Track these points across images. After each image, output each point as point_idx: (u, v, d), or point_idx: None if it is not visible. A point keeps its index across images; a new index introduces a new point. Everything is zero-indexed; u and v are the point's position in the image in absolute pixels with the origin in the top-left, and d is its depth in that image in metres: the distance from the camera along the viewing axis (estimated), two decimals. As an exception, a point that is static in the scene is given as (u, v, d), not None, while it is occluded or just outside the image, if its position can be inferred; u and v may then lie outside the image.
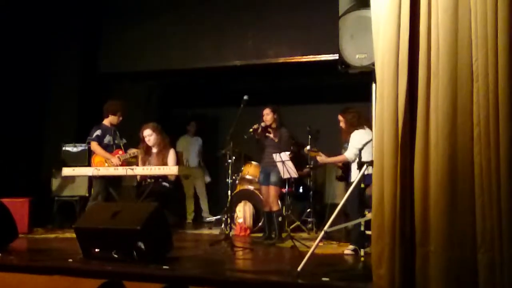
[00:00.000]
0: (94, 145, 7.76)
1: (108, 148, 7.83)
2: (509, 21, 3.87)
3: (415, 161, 4.24)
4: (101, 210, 6.08)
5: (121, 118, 7.97)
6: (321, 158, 7.04)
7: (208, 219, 10.27)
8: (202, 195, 10.66)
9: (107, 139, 7.84)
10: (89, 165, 7.97)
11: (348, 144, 6.72)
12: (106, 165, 7.62)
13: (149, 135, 7.39)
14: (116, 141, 7.91)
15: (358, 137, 6.57)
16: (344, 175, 7.09)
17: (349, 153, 6.59)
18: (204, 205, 10.63)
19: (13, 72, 9.24)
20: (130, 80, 10.89)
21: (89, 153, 7.97)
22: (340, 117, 6.93)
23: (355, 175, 5.64)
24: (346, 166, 6.98)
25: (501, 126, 3.84)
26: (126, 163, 7.73)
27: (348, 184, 6.59)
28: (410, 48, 4.25)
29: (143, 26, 9.90)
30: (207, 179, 10.83)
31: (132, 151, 7.85)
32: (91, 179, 7.96)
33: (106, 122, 7.94)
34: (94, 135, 7.76)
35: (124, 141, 7.98)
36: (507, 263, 3.78)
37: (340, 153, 6.90)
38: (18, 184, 8.99)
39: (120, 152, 7.86)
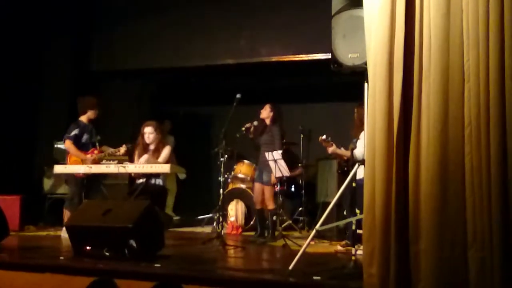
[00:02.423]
0: (68, 144, 7.66)
1: (84, 147, 7.75)
2: (500, 22, 3.89)
3: (408, 160, 4.25)
4: (93, 208, 6.07)
5: (98, 112, 7.91)
6: (332, 148, 7.00)
7: (175, 218, 10.28)
8: (172, 192, 10.61)
9: (85, 137, 7.78)
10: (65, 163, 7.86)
11: (356, 140, 6.71)
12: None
13: (149, 133, 7.38)
14: (92, 139, 7.88)
15: None
16: (347, 170, 7.06)
17: (358, 152, 6.56)
18: (170, 202, 10.59)
19: (4, 71, 9.21)
20: (122, 78, 10.88)
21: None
22: (360, 110, 6.86)
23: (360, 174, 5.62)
24: (349, 162, 6.97)
25: (492, 126, 3.87)
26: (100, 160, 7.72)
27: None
28: (405, 47, 4.27)
29: (134, 24, 9.89)
30: (182, 176, 10.69)
31: (109, 150, 7.80)
32: (66, 180, 7.85)
33: (84, 119, 7.86)
34: (72, 133, 7.66)
35: (98, 137, 7.93)
36: (497, 262, 3.80)
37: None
38: (10, 182, 8.95)
39: (95, 151, 7.82)
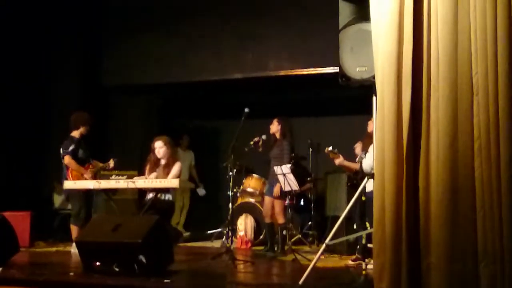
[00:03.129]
0: (68, 159, 7.69)
1: (81, 161, 7.81)
2: (508, 35, 3.89)
3: (418, 173, 4.24)
4: (103, 223, 6.07)
5: (89, 128, 7.98)
6: (339, 160, 6.99)
7: (186, 234, 10.33)
8: (185, 208, 10.68)
9: (80, 152, 7.84)
10: (63, 179, 7.91)
11: (365, 154, 6.70)
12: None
13: (159, 147, 7.39)
14: (86, 154, 7.93)
15: None
16: (356, 184, 7.05)
17: (366, 164, 6.54)
18: (182, 219, 10.65)
19: (14, 87, 9.27)
20: (130, 93, 10.90)
21: (61, 166, 7.92)
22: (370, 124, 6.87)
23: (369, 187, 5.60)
24: (358, 175, 6.96)
25: (502, 139, 3.86)
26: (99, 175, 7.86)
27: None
28: (413, 60, 4.27)
29: (143, 40, 9.93)
30: (202, 191, 10.79)
31: (99, 165, 7.94)
32: (69, 195, 7.92)
33: (76, 134, 7.90)
34: (70, 149, 7.71)
35: (88, 153, 7.99)
36: (509, 276, 3.78)
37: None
38: (20, 198, 8.99)
39: (91, 166, 7.91)
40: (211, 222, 10.35)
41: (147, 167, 7.47)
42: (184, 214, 10.71)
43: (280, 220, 7.60)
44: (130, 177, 7.64)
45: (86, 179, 7.69)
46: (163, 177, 7.18)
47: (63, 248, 7.91)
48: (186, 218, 10.62)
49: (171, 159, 7.39)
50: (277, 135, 7.76)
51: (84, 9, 10.01)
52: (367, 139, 6.80)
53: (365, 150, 6.77)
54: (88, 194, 7.73)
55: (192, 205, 10.75)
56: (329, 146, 6.95)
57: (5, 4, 8.96)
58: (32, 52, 9.53)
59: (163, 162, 7.38)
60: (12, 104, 9.26)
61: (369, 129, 6.86)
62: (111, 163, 7.90)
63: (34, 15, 9.49)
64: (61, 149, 7.75)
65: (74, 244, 7.44)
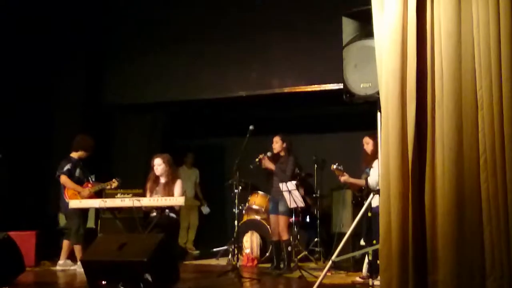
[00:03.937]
0: (64, 179, 7.85)
1: (78, 181, 7.94)
2: (512, 49, 3.90)
3: (424, 189, 4.23)
4: (108, 242, 6.06)
5: (89, 154, 8.13)
6: (345, 177, 6.98)
7: (195, 252, 10.35)
8: (193, 227, 10.71)
9: (78, 172, 7.98)
10: (61, 198, 7.98)
11: (369, 170, 6.69)
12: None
13: (158, 165, 7.39)
14: (85, 175, 8.07)
15: None
16: (361, 201, 7.04)
17: (371, 180, 6.53)
18: (191, 236, 10.66)
19: (17, 106, 9.30)
20: (134, 111, 10.92)
21: (58, 186, 8.01)
22: (368, 140, 6.85)
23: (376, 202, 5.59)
24: (363, 191, 6.95)
25: (507, 152, 3.85)
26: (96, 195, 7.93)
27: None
28: (417, 76, 4.27)
29: (146, 58, 9.96)
30: (206, 210, 10.82)
31: (101, 185, 8.01)
32: (67, 212, 7.98)
33: (75, 155, 8.06)
34: (65, 169, 7.88)
35: (93, 176, 8.18)
36: (517, 291, 3.76)
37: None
38: (26, 217, 8.99)
39: (89, 185, 8.02)
40: (217, 239, 10.33)
41: (148, 185, 7.47)
42: (192, 233, 10.72)
43: (284, 236, 7.56)
44: (135, 195, 7.65)
45: (84, 197, 7.77)
46: (163, 195, 7.18)
47: (69, 267, 7.89)
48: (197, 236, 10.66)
49: (171, 177, 7.38)
50: (282, 153, 7.73)
51: (87, 27, 10.07)
52: (368, 156, 6.81)
53: (368, 166, 6.77)
54: (85, 212, 7.86)
55: (198, 223, 10.78)
56: (335, 164, 6.95)
57: (10, 23, 9.03)
58: (35, 70, 9.56)
59: (162, 180, 7.38)
60: (16, 122, 9.28)
61: (366, 147, 6.86)
62: (114, 183, 7.94)
63: (37, 33, 9.53)
64: (57, 170, 7.90)
65: (79, 263, 7.47)
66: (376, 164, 6.55)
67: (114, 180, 7.96)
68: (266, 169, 7.78)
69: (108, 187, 8.00)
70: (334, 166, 6.95)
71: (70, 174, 7.88)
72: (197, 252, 10.37)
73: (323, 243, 9.01)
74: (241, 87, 9.44)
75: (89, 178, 8.10)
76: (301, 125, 10.39)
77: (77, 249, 7.72)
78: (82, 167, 8.05)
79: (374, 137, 6.71)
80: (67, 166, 7.88)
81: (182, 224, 10.24)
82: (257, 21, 9.32)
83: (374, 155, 6.67)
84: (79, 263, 7.50)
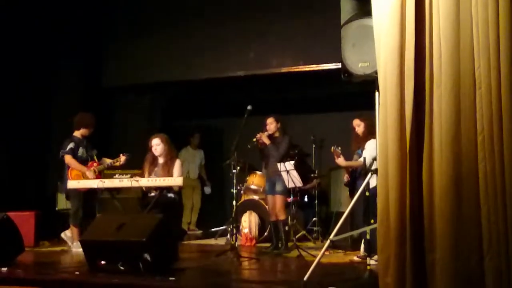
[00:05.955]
0: (69, 158, 7.74)
1: (81, 160, 7.85)
2: (511, 27, 3.88)
3: (421, 168, 4.24)
4: (107, 222, 6.09)
5: (92, 131, 8.03)
6: (339, 160, 6.98)
7: (198, 232, 10.40)
8: (196, 207, 10.74)
9: (81, 151, 7.87)
10: (64, 178, 7.92)
11: (361, 151, 6.69)
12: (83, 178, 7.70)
13: (156, 145, 7.37)
14: (89, 153, 7.97)
15: (375, 146, 6.51)
16: (351, 182, 7.05)
17: (367, 161, 6.51)
18: (194, 217, 10.71)
19: (16, 89, 9.28)
20: (133, 92, 10.91)
21: (62, 166, 7.95)
22: (358, 122, 6.85)
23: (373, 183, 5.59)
24: (353, 173, 6.97)
25: (505, 132, 3.85)
26: (101, 174, 7.86)
27: (355, 191, 6.56)
28: (415, 55, 4.26)
29: (145, 39, 9.93)
30: (208, 190, 10.85)
31: (107, 161, 7.93)
32: (67, 193, 7.96)
33: (78, 134, 7.96)
34: (68, 148, 7.75)
35: (95, 151, 8.05)
36: (514, 269, 3.78)
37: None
38: (25, 198, 9.01)
39: (95, 164, 7.92)
40: (216, 219, 10.38)
41: (145, 166, 7.46)
42: (195, 213, 10.76)
43: (282, 216, 7.57)
44: (133, 176, 7.63)
45: (88, 177, 7.70)
46: (162, 175, 7.17)
47: (68, 247, 7.92)
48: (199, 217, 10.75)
49: (169, 157, 7.37)
50: (276, 133, 7.70)
51: (86, 9, 10.01)
52: (359, 138, 6.82)
53: (361, 148, 6.77)
54: (89, 193, 7.74)
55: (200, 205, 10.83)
56: (334, 145, 6.96)
57: (8, 6, 8.97)
58: (34, 53, 9.53)
59: (161, 160, 7.36)
60: (15, 104, 9.28)
61: (357, 129, 6.86)
62: (122, 158, 7.85)
63: (36, 17, 9.48)
64: (60, 150, 7.81)
65: (75, 243, 7.50)
66: (368, 145, 6.57)
67: (121, 155, 7.85)
68: (262, 148, 7.76)
69: (117, 163, 7.87)
70: (333, 148, 6.96)
71: (73, 154, 7.77)
72: (200, 232, 10.41)
73: (321, 223, 9.06)
74: (240, 67, 9.43)
75: (94, 157, 7.99)
76: (299, 105, 10.39)
77: (74, 231, 7.71)
78: (85, 146, 7.94)
79: (364, 119, 6.75)
80: (70, 145, 7.77)
81: (187, 205, 10.31)
82: (256, 1, 9.28)
83: (366, 136, 6.69)
84: (75, 243, 7.55)
